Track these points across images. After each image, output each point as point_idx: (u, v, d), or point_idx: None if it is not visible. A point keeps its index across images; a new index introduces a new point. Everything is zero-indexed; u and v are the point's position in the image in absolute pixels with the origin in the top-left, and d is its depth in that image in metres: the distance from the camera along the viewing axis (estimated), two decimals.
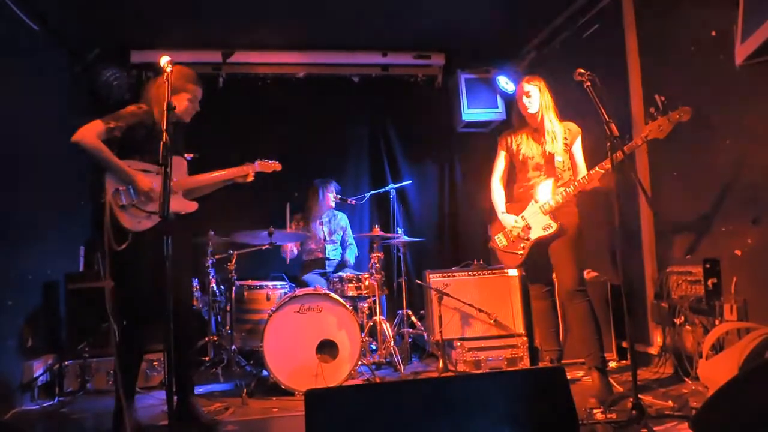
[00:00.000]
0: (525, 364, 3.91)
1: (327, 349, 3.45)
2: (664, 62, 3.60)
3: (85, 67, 4.60)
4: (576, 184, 3.08)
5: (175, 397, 2.74)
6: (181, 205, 2.88)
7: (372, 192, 5.02)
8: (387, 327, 4.08)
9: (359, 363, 3.55)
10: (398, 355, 3.92)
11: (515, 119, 3.39)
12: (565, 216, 3.17)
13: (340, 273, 4.24)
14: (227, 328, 4.17)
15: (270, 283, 4.15)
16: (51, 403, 3.47)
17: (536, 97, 3.23)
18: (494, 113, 5.39)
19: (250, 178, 3.13)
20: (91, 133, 2.61)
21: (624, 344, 3.83)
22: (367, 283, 4.05)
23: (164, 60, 2.40)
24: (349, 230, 5.05)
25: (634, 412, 2.42)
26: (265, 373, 3.52)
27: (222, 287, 4.35)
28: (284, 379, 3.34)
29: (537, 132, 3.28)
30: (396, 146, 5.74)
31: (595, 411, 2.66)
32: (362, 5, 4.35)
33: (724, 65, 3.03)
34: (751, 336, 2.61)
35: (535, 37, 4.95)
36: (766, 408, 1.61)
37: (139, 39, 4.79)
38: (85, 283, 3.90)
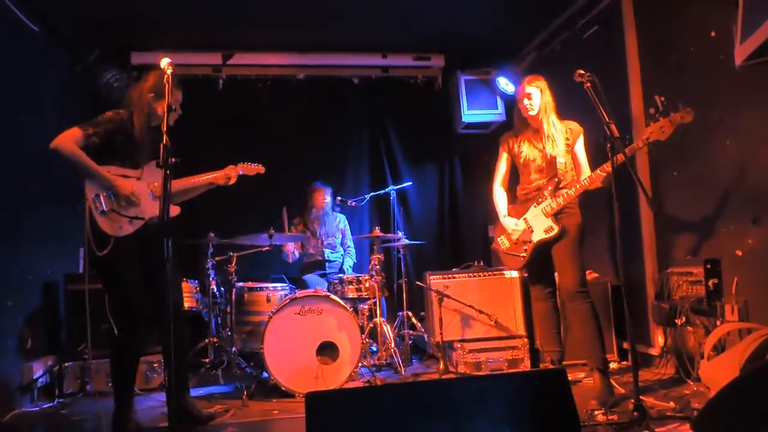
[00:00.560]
0: (526, 365, 3.91)
1: (327, 350, 3.45)
2: (663, 63, 3.60)
3: (85, 69, 4.60)
4: (578, 186, 3.07)
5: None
6: None
7: (372, 193, 5.02)
8: (387, 329, 4.08)
9: (360, 365, 3.54)
10: (399, 356, 3.92)
11: (516, 121, 3.38)
12: (568, 217, 3.17)
13: (340, 275, 4.24)
14: (227, 329, 4.16)
15: (270, 285, 4.14)
16: (51, 404, 3.47)
17: (537, 99, 3.22)
18: (494, 114, 5.39)
19: (233, 181, 3.13)
20: (68, 140, 2.61)
21: (625, 345, 3.83)
22: (367, 284, 4.04)
23: (164, 62, 2.40)
24: (348, 233, 5.05)
25: (635, 413, 2.41)
26: (265, 375, 3.51)
27: (222, 289, 4.35)
28: (284, 381, 3.34)
29: (538, 133, 3.27)
30: (396, 148, 5.74)
31: (596, 412, 2.65)
32: (362, 7, 4.36)
33: (723, 66, 3.03)
34: (752, 337, 2.60)
35: (534, 38, 4.96)
36: None
37: (140, 40, 4.79)
38: (85, 284, 3.89)
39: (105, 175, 2.67)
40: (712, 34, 3.16)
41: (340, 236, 5.00)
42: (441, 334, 3.94)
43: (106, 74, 4.62)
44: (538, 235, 3.20)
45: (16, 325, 3.48)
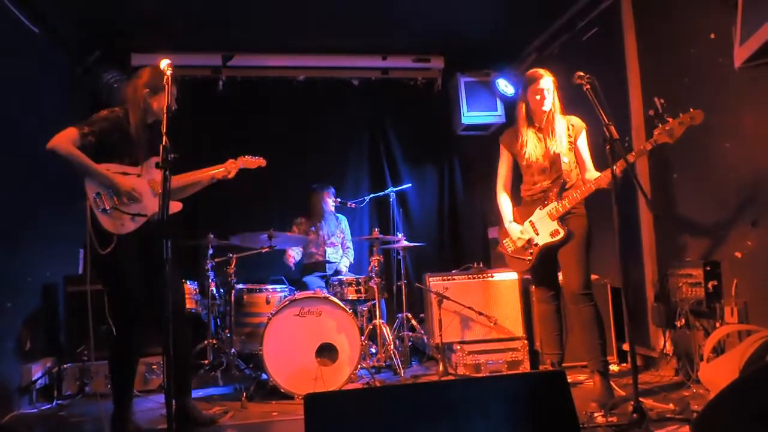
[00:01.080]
0: (525, 367, 3.90)
1: (327, 352, 3.44)
2: (663, 65, 3.60)
3: (85, 70, 4.61)
4: (584, 188, 3.03)
5: (174, 400, 2.75)
6: None
7: (372, 195, 5.03)
8: (387, 330, 4.07)
9: (359, 366, 3.54)
10: (398, 358, 3.91)
11: (520, 116, 3.22)
12: (574, 219, 3.12)
13: (339, 276, 4.24)
14: (227, 331, 4.16)
15: (270, 287, 4.14)
16: (49, 406, 3.46)
17: (551, 94, 3.12)
18: (494, 116, 5.40)
19: (232, 175, 3.10)
20: (65, 141, 2.60)
21: (625, 347, 3.82)
22: (366, 286, 4.04)
23: (164, 63, 2.41)
24: (348, 234, 5.06)
25: (635, 415, 2.41)
26: (264, 376, 3.51)
27: (221, 290, 4.35)
28: (284, 383, 3.33)
29: (541, 131, 3.18)
30: (396, 149, 5.75)
31: (596, 414, 2.65)
32: (362, 9, 4.36)
33: (723, 68, 3.03)
34: (751, 338, 2.60)
35: (534, 40, 4.96)
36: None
37: (140, 42, 4.79)
38: (85, 285, 3.89)
39: (104, 173, 2.66)
40: (712, 36, 3.16)
41: (341, 237, 5.00)
42: (440, 335, 3.93)
43: (106, 75, 4.62)
44: (543, 239, 3.16)
45: (15, 327, 3.48)
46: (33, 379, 3.47)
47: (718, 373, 2.65)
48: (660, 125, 2.81)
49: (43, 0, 3.74)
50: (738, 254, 3.06)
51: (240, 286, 4.11)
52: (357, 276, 4.21)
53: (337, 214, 5.04)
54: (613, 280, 3.99)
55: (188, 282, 4.10)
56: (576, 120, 3.20)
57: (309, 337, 3.43)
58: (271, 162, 3.48)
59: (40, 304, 3.79)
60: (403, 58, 5.34)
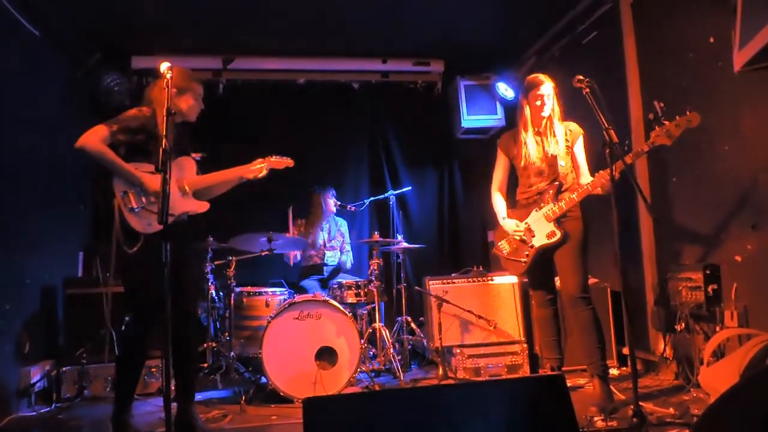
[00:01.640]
0: (525, 370, 3.90)
1: (326, 356, 3.44)
2: (662, 68, 3.61)
3: (85, 73, 4.61)
4: (580, 190, 3.04)
5: (175, 404, 2.74)
6: (192, 205, 2.89)
7: (372, 198, 5.03)
8: (386, 334, 4.06)
9: (358, 370, 3.53)
10: (398, 362, 3.90)
11: (523, 117, 3.21)
12: (570, 222, 3.12)
13: (339, 279, 4.23)
14: (226, 334, 4.15)
15: (269, 290, 4.14)
16: (48, 409, 3.45)
17: (551, 100, 3.15)
18: (493, 119, 5.41)
19: (262, 174, 3.06)
20: (94, 138, 2.63)
21: (625, 351, 3.82)
22: (366, 289, 4.03)
23: (164, 66, 2.41)
24: (347, 237, 5.05)
25: (635, 419, 2.40)
26: (263, 380, 3.50)
27: (221, 293, 4.34)
28: (283, 386, 3.33)
29: (539, 134, 3.21)
30: (395, 152, 5.75)
31: (595, 419, 2.64)
32: (362, 12, 4.37)
33: (722, 71, 3.04)
34: (752, 342, 2.60)
35: (534, 44, 4.97)
36: None
37: (140, 45, 4.81)
38: (84, 288, 3.89)
39: (132, 171, 2.67)
40: (711, 39, 3.17)
41: (341, 240, 5.00)
42: (440, 339, 3.93)
43: (106, 78, 4.63)
44: (540, 240, 3.16)
45: (14, 329, 3.47)
46: (32, 382, 3.46)
47: (718, 377, 2.64)
48: (657, 127, 2.82)
49: (43, 2, 3.75)
50: (738, 258, 3.05)
51: (239, 289, 4.11)
52: (357, 279, 4.20)
53: (337, 217, 5.04)
54: (613, 284, 3.99)
55: None
56: (574, 126, 3.22)
57: (308, 340, 3.42)
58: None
59: (39, 307, 3.78)
60: (403, 61, 5.35)
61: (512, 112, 3.45)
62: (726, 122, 3.10)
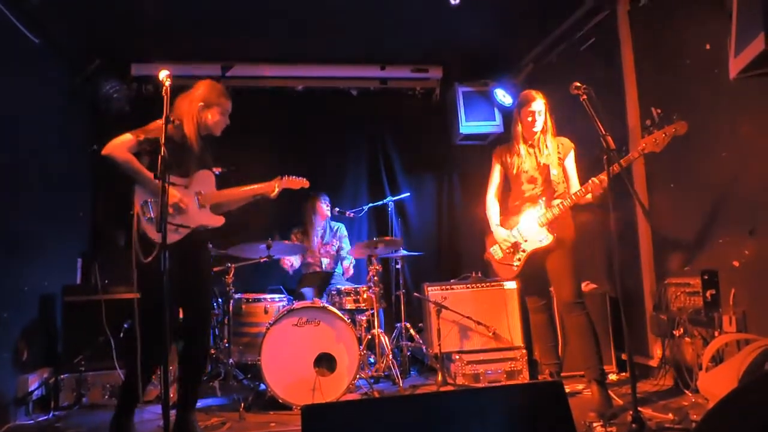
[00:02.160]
0: (524, 376, 3.89)
1: (325, 362, 3.43)
2: (659, 75, 3.63)
3: (85, 80, 4.62)
4: (572, 197, 3.08)
5: (174, 411, 2.73)
6: (209, 219, 2.92)
7: (370, 204, 5.03)
8: (385, 340, 4.06)
9: (357, 377, 3.52)
10: (397, 368, 3.90)
11: (516, 131, 3.29)
12: (562, 228, 3.16)
13: (338, 286, 4.23)
14: (225, 341, 4.14)
15: (268, 296, 4.13)
16: (46, 417, 3.44)
17: (542, 117, 3.21)
18: (492, 126, 5.41)
19: (275, 193, 3.11)
20: (121, 147, 2.66)
21: (624, 356, 3.82)
22: (365, 296, 4.03)
23: (163, 74, 2.42)
24: (346, 242, 5.04)
25: (633, 425, 2.40)
26: (262, 386, 3.50)
27: (220, 300, 4.33)
28: (282, 393, 3.32)
29: (532, 145, 3.27)
30: (394, 159, 5.76)
31: (594, 424, 2.64)
32: (361, 19, 4.39)
33: (719, 78, 3.06)
34: (750, 347, 2.60)
35: (532, 51, 4.99)
36: (767, 420, 1.60)
37: (140, 52, 4.82)
38: (83, 295, 3.88)
39: (155, 181, 2.68)
40: (707, 47, 3.19)
41: (337, 244, 4.99)
42: (439, 345, 3.93)
43: (105, 85, 4.64)
44: (531, 245, 3.20)
45: (12, 337, 3.46)
46: (30, 389, 3.45)
47: (716, 383, 2.64)
48: (647, 135, 2.89)
49: (42, 9, 3.76)
50: (736, 263, 3.06)
51: (238, 295, 4.10)
52: (355, 285, 4.20)
53: (332, 222, 5.03)
54: (611, 290, 3.99)
55: None
56: (566, 140, 3.28)
57: (307, 347, 3.42)
58: (269, 172, 3.47)
59: (37, 315, 3.78)
60: (401, 68, 5.37)
61: (510, 118, 3.48)
62: (723, 129, 3.12)
